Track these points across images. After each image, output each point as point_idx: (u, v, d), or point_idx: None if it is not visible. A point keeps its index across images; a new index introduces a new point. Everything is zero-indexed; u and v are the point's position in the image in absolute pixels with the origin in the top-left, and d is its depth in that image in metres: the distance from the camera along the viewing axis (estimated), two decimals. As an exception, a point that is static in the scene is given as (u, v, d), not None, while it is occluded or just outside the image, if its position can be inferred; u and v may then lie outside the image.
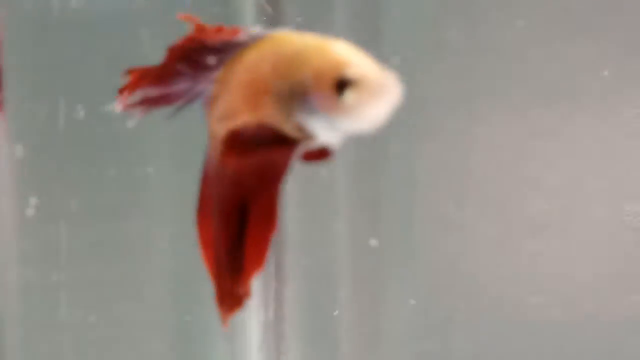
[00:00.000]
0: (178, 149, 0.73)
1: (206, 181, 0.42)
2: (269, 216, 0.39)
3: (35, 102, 0.71)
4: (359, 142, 0.69)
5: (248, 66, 0.38)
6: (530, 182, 0.69)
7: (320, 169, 0.67)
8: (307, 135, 0.36)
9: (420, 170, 0.70)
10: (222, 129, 0.39)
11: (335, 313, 0.72)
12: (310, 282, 0.74)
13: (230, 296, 0.39)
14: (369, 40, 0.69)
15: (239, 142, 0.39)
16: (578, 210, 0.67)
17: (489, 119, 0.68)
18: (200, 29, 0.38)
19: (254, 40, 0.38)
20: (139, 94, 0.40)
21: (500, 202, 0.69)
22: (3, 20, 0.70)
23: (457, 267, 0.70)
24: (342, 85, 0.33)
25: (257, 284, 0.82)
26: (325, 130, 0.35)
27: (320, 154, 0.37)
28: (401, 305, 0.71)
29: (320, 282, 0.74)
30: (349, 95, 0.33)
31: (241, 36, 0.38)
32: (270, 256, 0.76)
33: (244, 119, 0.38)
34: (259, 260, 0.39)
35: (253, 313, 0.75)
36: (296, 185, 0.71)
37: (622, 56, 0.67)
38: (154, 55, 0.39)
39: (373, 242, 0.71)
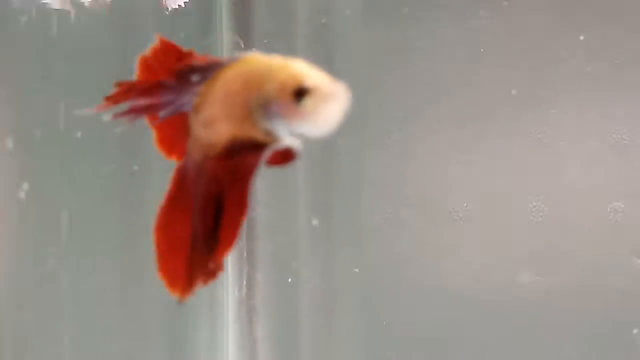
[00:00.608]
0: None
1: (181, 176, 0.44)
2: (241, 205, 0.42)
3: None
4: (317, 149, 0.72)
5: (225, 82, 0.41)
6: (451, 183, 0.75)
7: (285, 171, 0.78)
8: (274, 139, 0.39)
9: (366, 172, 0.76)
10: (203, 134, 0.42)
11: (289, 280, 0.79)
12: (275, 264, 0.80)
13: (205, 271, 0.42)
14: (323, 62, 0.76)
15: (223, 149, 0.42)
16: (490, 207, 0.73)
17: (420, 133, 0.75)
18: (169, 48, 0.42)
19: (230, 61, 0.41)
20: (127, 104, 0.42)
21: (427, 198, 0.75)
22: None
23: (392, 248, 0.76)
24: (300, 93, 0.37)
25: (231, 268, 0.80)
26: (288, 134, 0.39)
27: (286, 156, 0.40)
28: (348, 273, 0.77)
29: (282, 263, 0.79)
30: (306, 102, 0.37)
31: (220, 59, 0.41)
32: (243, 244, 0.81)
33: (222, 125, 0.41)
34: (231, 240, 0.41)
35: (229, 291, 0.81)
36: (265, 185, 0.79)
37: (527, 78, 0.73)
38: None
39: (315, 222, 0.77)
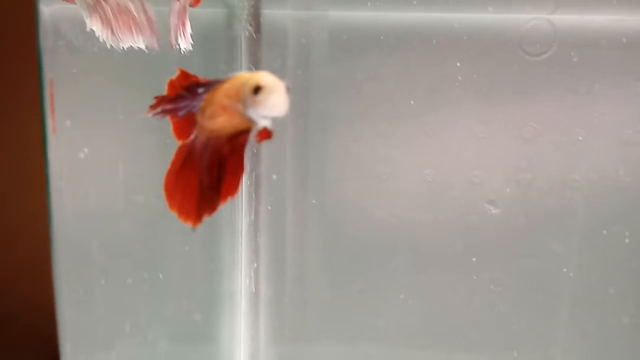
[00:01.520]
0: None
1: (188, 149, 0.50)
2: (238, 168, 0.49)
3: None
4: (298, 138, 0.82)
5: (222, 90, 0.47)
6: (379, 162, 0.85)
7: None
8: (254, 123, 0.46)
9: (330, 155, 0.85)
10: (207, 125, 0.49)
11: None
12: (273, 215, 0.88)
13: (210, 208, 0.50)
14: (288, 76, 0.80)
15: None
16: (399, 174, 0.85)
17: (360, 131, 0.85)
18: (185, 75, 0.49)
19: (225, 78, 0.48)
20: (161, 108, 0.50)
21: (364, 170, 0.85)
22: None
23: (348, 202, 0.86)
24: (256, 89, 0.44)
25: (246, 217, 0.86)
26: (259, 119, 0.45)
27: (266, 134, 0.46)
28: (319, 222, 0.86)
29: (276, 213, 0.87)
30: (259, 94, 0.44)
31: (218, 78, 0.49)
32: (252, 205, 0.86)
33: (219, 119, 0.48)
34: (233, 190, 0.50)
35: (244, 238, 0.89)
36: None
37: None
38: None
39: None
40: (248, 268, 0.89)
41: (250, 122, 0.46)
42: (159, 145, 0.78)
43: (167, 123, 0.51)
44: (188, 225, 0.50)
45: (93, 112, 0.76)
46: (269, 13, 0.80)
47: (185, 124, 0.50)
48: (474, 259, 0.85)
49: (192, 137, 0.50)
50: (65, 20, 0.70)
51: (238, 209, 0.87)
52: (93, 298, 0.80)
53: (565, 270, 0.84)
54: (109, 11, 0.54)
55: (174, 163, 0.50)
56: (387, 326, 0.88)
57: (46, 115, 0.61)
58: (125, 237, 0.82)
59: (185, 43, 0.60)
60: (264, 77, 0.44)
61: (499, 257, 0.85)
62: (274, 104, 0.43)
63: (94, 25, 0.55)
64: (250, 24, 0.80)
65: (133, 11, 0.55)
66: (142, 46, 0.57)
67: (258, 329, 0.90)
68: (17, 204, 0.77)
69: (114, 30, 0.55)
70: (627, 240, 0.82)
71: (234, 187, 0.50)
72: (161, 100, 0.49)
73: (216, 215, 0.75)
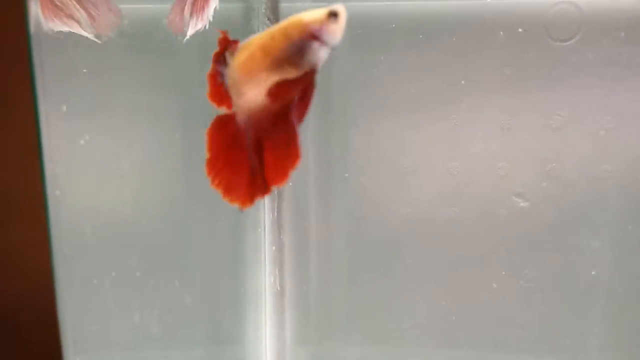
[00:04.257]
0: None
1: (229, 125, 0.49)
2: (290, 144, 0.47)
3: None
4: (321, 128, 0.81)
5: (256, 52, 0.48)
6: (403, 156, 0.83)
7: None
8: (313, 65, 0.47)
9: (352, 150, 0.84)
10: (242, 102, 0.49)
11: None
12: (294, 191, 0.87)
13: (263, 190, 0.49)
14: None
15: (275, 89, 0.48)
16: (423, 168, 0.84)
17: (382, 124, 0.83)
18: (224, 39, 0.49)
19: (240, 45, 0.50)
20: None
21: (388, 164, 0.84)
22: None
23: (372, 197, 0.85)
24: (332, 14, 0.46)
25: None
26: (318, 53, 0.47)
27: (303, 108, 0.47)
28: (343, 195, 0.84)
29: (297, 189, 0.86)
30: (335, 20, 0.46)
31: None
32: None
33: (264, 74, 0.47)
34: (279, 179, 0.48)
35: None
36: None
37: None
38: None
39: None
40: (272, 266, 0.88)
41: (307, 65, 0.46)
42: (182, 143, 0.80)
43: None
44: (235, 206, 0.49)
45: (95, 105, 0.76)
46: (287, 6, 0.79)
47: (222, 91, 0.50)
48: (502, 255, 0.83)
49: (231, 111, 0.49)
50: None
51: (261, 206, 0.87)
52: (106, 298, 0.81)
53: (598, 264, 0.83)
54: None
55: (217, 138, 0.48)
56: (415, 325, 0.87)
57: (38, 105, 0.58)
58: (145, 236, 0.82)
59: (201, 22, 0.59)
60: (329, 8, 0.46)
61: (529, 252, 0.83)
62: (341, 28, 0.46)
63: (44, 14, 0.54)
64: (269, 18, 0.79)
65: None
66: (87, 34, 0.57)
67: (284, 328, 0.90)
68: (15, 211, 0.77)
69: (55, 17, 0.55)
70: (662, 233, 0.79)
71: (281, 174, 0.48)
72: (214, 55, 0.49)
73: (239, 213, 0.80)
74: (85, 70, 0.75)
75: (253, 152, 0.48)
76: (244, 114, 0.48)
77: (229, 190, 0.49)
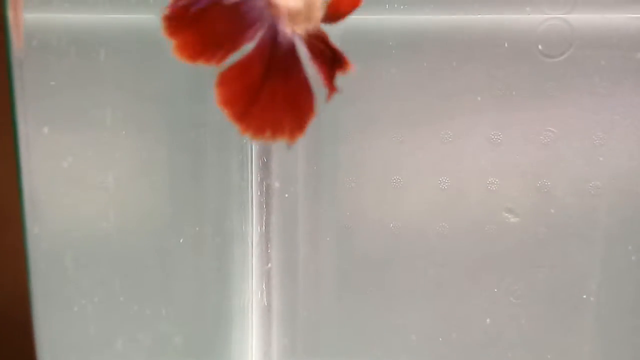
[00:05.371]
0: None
1: (245, 71, 0.43)
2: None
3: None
4: (310, 146, 0.81)
5: None
6: (393, 170, 0.84)
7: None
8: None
9: (342, 164, 0.85)
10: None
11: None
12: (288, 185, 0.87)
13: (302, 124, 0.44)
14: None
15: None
16: (413, 182, 0.84)
17: (372, 138, 0.83)
18: None
19: None
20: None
21: (378, 179, 0.84)
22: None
23: (361, 211, 0.85)
24: None
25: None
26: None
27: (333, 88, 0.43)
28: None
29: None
30: None
31: None
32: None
33: None
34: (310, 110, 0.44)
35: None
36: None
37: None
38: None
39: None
40: (259, 281, 0.88)
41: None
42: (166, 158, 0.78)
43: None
44: (283, 141, 0.43)
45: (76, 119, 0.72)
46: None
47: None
48: (492, 270, 0.84)
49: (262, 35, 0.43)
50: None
51: (248, 220, 0.87)
52: (86, 315, 0.76)
53: (587, 281, 0.83)
54: None
55: (238, 86, 0.43)
56: (403, 340, 0.87)
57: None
58: (127, 251, 0.79)
59: None
60: None
61: (519, 268, 0.84)
62: None
63: None
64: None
65: None
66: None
67: (270, 344, 0.89)
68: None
69: None
70: (652, 249, 0.80)
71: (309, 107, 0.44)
72: None
73: (225, 226, 0.80)
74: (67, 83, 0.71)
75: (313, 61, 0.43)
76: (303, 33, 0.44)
77: (277, 126, 0.44)
